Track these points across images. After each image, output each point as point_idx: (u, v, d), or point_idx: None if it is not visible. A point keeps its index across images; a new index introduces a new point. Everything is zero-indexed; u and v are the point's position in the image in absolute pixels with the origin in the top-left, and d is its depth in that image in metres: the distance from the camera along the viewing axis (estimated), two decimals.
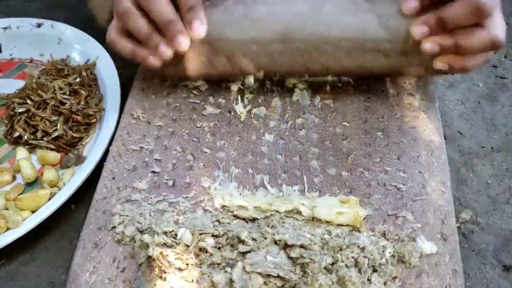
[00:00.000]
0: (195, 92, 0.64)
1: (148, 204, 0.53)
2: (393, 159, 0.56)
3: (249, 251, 0.47)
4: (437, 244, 0.49)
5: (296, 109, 0.62)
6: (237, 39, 0.55)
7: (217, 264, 0.46)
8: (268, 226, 0.49)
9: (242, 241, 0.47)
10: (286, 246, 0.47)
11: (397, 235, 0.50)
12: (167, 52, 0.54)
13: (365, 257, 0.47)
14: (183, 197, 0.53)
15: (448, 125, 0.70)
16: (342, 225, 0.50)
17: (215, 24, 0.55)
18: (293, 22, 0.54)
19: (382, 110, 0.60)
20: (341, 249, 0.47)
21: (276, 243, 0.47)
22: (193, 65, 0.58)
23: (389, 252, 0.48)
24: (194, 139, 0.59)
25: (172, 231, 0.48)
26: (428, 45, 0.52)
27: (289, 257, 0.46)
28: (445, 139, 0.68)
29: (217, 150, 0.58)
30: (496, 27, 0.50)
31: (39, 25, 0.80)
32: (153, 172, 0.56)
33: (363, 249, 0.47)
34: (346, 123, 0.59)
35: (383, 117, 0.60)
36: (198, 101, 0.63)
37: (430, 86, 0.64)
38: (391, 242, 0.49)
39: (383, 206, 0.52)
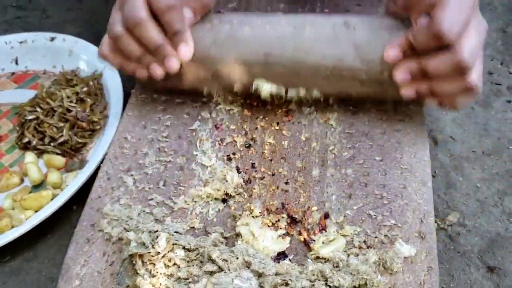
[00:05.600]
0: (189, 101, 0.67)
1: (138, 204, 0.56)
2: (376, 160, 0.57)
3: (219, 271, 0.47)
4: (414, 243, 0.50)
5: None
6: (221, 58, 0.58)
7: (184, 279, 0.47)
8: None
9: (212, 260, 0.47)
10: (259, 275, 0.47)
11: (376, 237, 0.51)
12: (157, 72, 0.58)
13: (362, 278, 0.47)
14: (172, 199, 0.56)
15: (441, 130, 0.71)
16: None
17: (201, 42, 0.58)
18: (274, 47, 0.56)
19: (367, 114, 0.62)
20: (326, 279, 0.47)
21: (248, 267, 0.47)
22: (182, 80, 0.61)
23: (373, 262, 0.49)
24: (187, 142, 0.62)
25: (157, 230, 0.51)
26: (399, 75, 0.54)
27: (261, 286, 0.46)
28: (436, 143, 0.69)
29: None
30: (473, 73, 0.51)
31: (52, 39, 0.85)
32: (146, 173, 0.59)
33: (357, 272, 0.47)
34: (332, 128, 0.61)
35: (368, 121, 0.61)
36: (193, 107, 0.66)
37: None
38: (374, 249, 0.50)
39: (364, 206, 0.54)
